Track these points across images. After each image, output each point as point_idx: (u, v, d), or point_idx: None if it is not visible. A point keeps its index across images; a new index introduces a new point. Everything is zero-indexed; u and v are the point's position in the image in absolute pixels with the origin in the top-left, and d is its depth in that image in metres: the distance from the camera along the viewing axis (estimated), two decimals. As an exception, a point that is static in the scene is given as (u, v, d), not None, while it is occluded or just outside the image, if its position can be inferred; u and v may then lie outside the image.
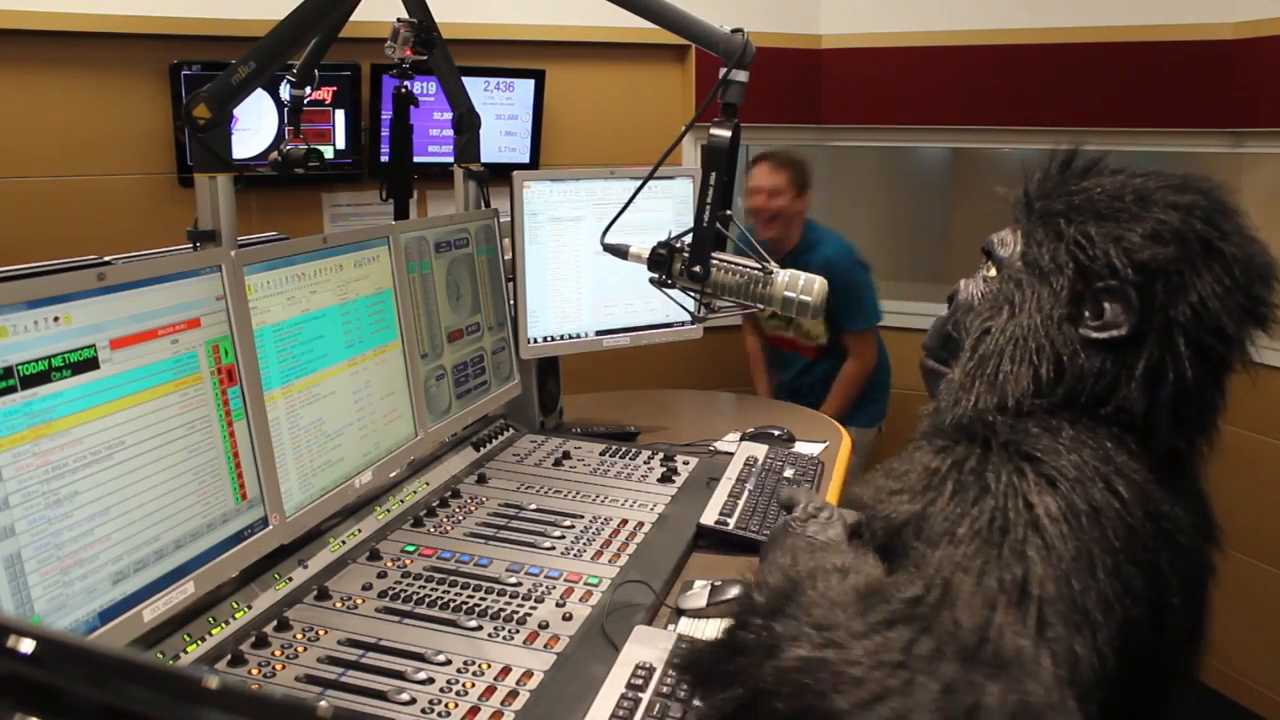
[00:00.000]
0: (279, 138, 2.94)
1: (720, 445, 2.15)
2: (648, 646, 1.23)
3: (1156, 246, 0.97)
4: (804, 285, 1.32)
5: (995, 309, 1.06)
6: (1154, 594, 0.91)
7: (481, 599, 1.39)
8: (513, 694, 1.17)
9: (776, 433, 2.17)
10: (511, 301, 2.16)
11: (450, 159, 2.22)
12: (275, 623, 1.29)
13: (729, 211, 1.34)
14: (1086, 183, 1.06)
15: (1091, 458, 0.92)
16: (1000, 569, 0.84)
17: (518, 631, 1.31)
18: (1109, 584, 0.86)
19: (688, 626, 1.38)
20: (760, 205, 3.05)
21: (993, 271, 1.12)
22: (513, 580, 1.45)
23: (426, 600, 1.37)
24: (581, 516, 1.70)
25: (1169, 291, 0.97)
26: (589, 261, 2.20)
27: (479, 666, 1.22)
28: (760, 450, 2.00)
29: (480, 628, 1.31)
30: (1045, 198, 1.08)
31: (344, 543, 1.53)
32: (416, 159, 2.60)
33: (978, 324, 1.08)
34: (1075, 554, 0.86)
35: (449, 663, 1.22)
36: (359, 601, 1.37)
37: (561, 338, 2.21)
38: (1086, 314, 0.99)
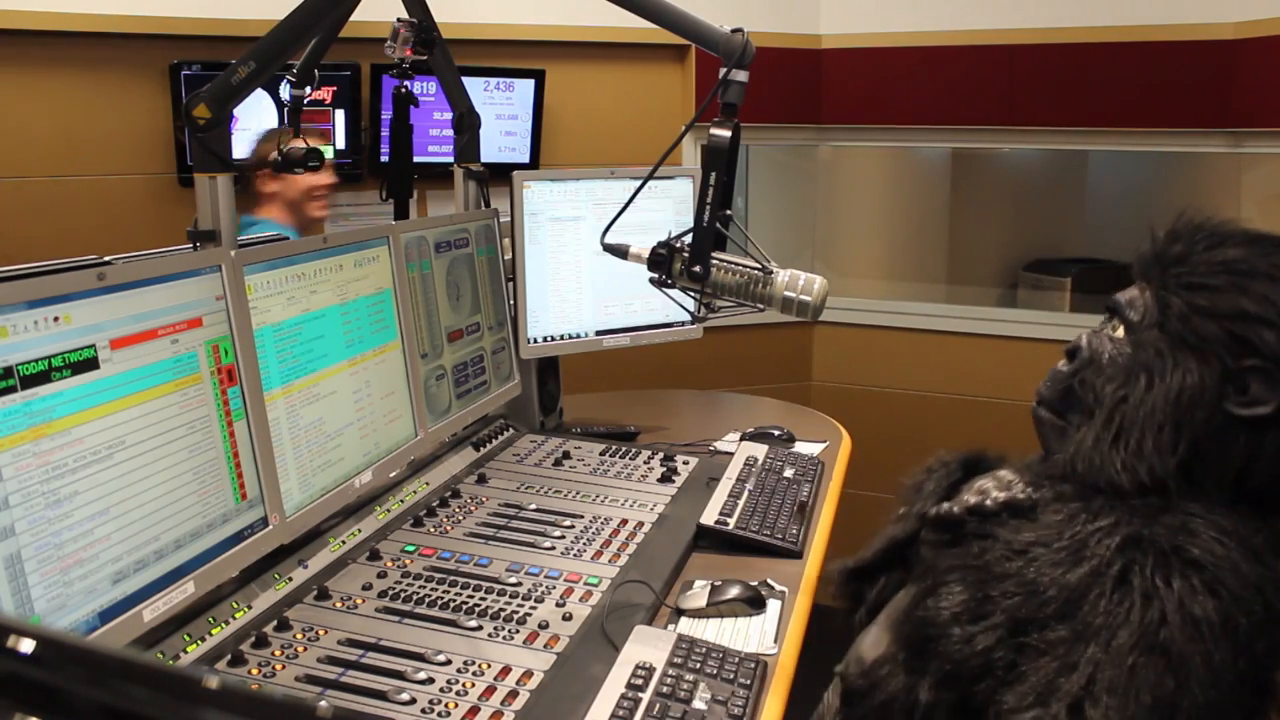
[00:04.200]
0: (279, 138, 2.93)
1: (720, 445, 2.15)
2: (648, 646, 1.23)
3: None
4: (804, 285, 1.32)
5: (1131, 376, 1.07)
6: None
7: (481, 599, 1.39)
8: (513, 694, 1.17)
9: (776, 433, 2.17)
10: (511, 301, 2.16)
11: (450, 159, 2.22)
12: (275, 623, 1.29)
13: (729, 211, 1.34)
14: (1226, 253, 1.08)
15: (1243, 561, 0.96)
16: (1155, 686, 0.90)
17: (518, 631, 1.31)
18: (1249, 694, 0.93)
19: (688, 626, 1.38)
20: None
21: (1119, 331, 1.13)
22: (513, 580, 1.45)
23: (426, 600, 1.37)
24: (581, 516, 1.70)
25: None
26: (589, 261, 2.20)
27: (479, 666, 1.22)
28: (760, 450, 2.00)
29: (480, 628, 1.31)
30: (1179, 263, 1.09)
31: (344, 543, 1.53)
32: (416, 159, 2.60)
33: (1111, 390, 1.09)
34: (1232, 666, 0.91)
35: (449, 663, 1.22)
36: (359, 601, 1.37)
37: (561, 338, 2.21)
38: (1231, 390, 1.02)
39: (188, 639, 1.21)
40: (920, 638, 1.10)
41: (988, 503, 1.14)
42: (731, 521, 1.68)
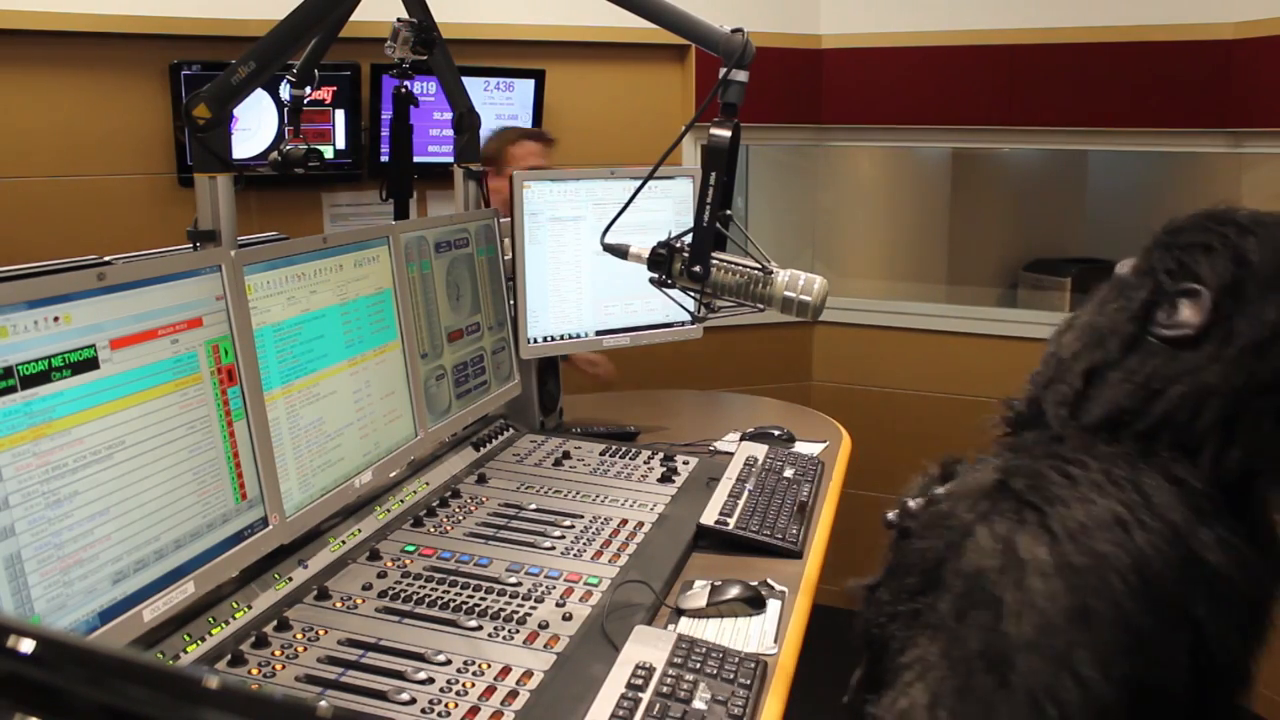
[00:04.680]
0: (279, 138, 2.93)
1: (720, 445, 2.15)
2: (648, 646, 1.23)
3: (1243, 268, 0.99)
4: (804, 285, 1.32)
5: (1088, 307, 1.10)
6: (1188, 641, 0.90)
7: (481, 599, 1.39)
8: (513, 694, 1.17)
9: (776, 433, 2.17)
10: (511, 301, 2.16)
11: (450, 159, 2.22)
12: (275, 623, 1.29)
13: (729, 211, 1.34)
14: (1219, 212, 1.08)
15: (1117, 502, 0.91)
16: (983, 629, 0.88)
17: (518, 631, 1.31)
18: (1111, 637, 0.86)
19: (688, 626, 1.38)
20: None
21: None
22: (513, 580, 1.45)
23: (426, 600, 1.37)
24: (581, 516, 1.70)
25: (1240, 304, 0.97)
26: (589, 261, 2.20)
27: (479, 666, 1.22)
28: (760, 450, 2.00)
29: (480, 628, 1.31)
30: (1174, 221, 1.11)
31: (344, 543, 1.53)
32: (416, 159, 2.60)
33: (1065, 320, 1.11)
34: (1066, 609, 0.87)
35: (449, 663, 1.22)
36: (359, 601, 1.37)
37: (561, 338, 2.21)
38: (1161, 314, 1.01)
39: (188, 639, 1.21)
40: (868, 653, 1.11)
41: (910, 504, 1.14)
42: (731, 521, 1.68)
